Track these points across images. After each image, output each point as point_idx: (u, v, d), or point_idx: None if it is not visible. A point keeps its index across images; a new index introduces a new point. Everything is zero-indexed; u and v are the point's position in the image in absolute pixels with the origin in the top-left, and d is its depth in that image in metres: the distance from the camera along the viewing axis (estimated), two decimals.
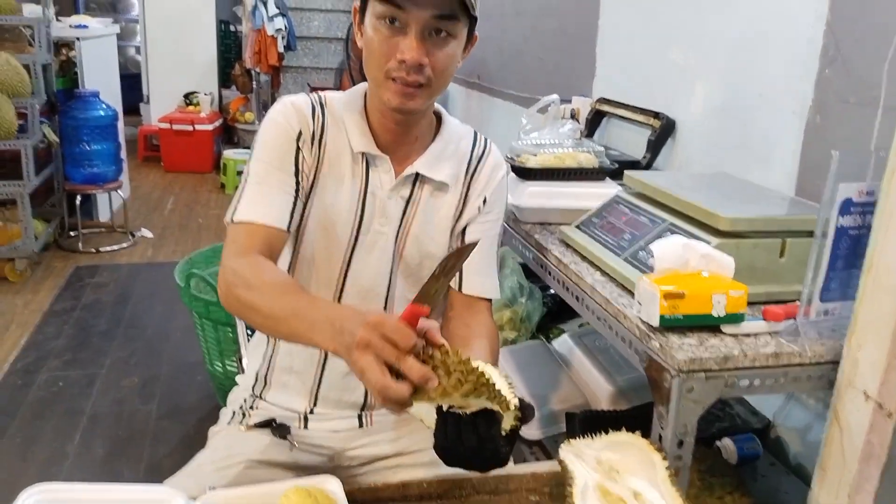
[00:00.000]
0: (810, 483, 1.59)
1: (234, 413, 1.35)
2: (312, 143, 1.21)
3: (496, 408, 0.95)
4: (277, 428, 1.30)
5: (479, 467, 0.98)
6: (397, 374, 0.88)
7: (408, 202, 1.25)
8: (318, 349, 1.29)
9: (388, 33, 1.10)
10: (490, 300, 1.34)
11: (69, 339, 3.21)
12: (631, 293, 1.22)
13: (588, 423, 1.62)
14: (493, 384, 0.95)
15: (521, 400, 0.99)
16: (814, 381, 1.08)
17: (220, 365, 2.50)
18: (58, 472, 2.29)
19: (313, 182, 1.23)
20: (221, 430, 1.34)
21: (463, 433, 0.97)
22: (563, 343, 1.95)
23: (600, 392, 1.77)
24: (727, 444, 1.59)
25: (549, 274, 1.44)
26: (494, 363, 1.23)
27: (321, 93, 1.27)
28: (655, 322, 1.06)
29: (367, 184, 1.23)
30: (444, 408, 1.00)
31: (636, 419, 1.66)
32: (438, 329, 0.94)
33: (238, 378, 1.42)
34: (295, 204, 1.20)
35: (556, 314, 2.25)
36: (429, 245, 1.28)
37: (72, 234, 4.45)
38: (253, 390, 1.36)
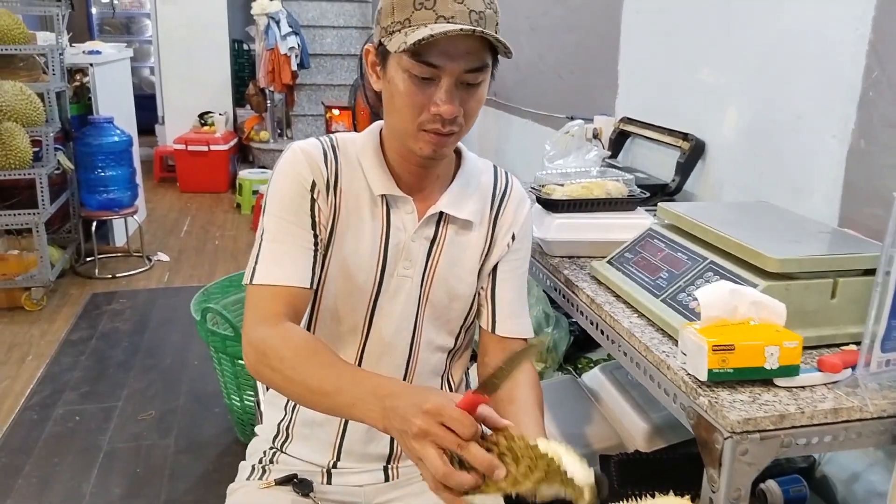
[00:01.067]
0: None
1: (253, 468, 1.28)
2: (328, 192, 1.15)
3: (569, 495, 0.89)
4: (300, 484, 1.23)
5: None
6: (459, 462, 0.85)
7: (432, 243, 1.19)
8: None
9: (419, 86, 1.04)
10: (525, 339, 1.28)
11: (86, 370, 3.16)
12: (672, 338, 1.14)
13: (624, 466, 1.54)
14: (565, 471, 0.88)
15: (596, 476, 0.92)
16: (876, 436, 0.99)
17: (238, 399, 2.44)
18: None
19: (331, 231, 1.17)
20: (240, 487, 1.27)
21: None
22: (594, 377, 1.87)
23: (635, 430, 1.68)
24: (772, 487, 1.50)
25: (581, 313, 1.36)
26: (541, 411, 1.18)
27: (333, 135, 1.22)
28: (703, 376, 0.98)
29: (388, 227, 1.17)
30: (513, 494, 0.93)
31: (675, 463, 1.58)
32: (496, 415, 0.90)
33: (257, 429, 1.36)
34: (315, 258, 1.14)
35: (583, 343, 2.17)
36: (457, 286, 1.22)
37: (88, 260, 4.43)
38: (273, 442, 1.29)
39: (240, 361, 2.26)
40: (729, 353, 0.97)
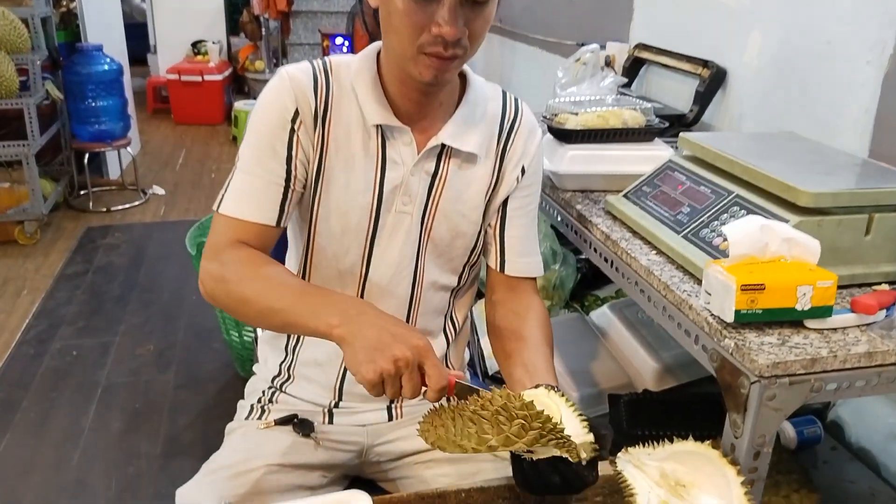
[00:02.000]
0: (877, 469, 1.47)
1: (252, 407, 1.24)
2: (315, 123, 1.06)
3: (566, 455, 0.85)
4: (300, 424, 1.19)
5: (567, 494, 0.94)
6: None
7: (433, 178, 1.11)
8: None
9: (420, 4, 0.94)
10: (534, 278, 1.22)
11: (82, 305, 3.12)
12: (694, 277, 1.08)
13: (634, 406, 1.50)
14: (562, 429, 0.84)
15: (596, 434, 0.90)
16: None
17: (237, 335, 2.39)
18: (73, 448, 2.22)
19: (320, 167, 1.08)
20: (239, 426, 1.22)
21: (543, 475, 0.90)
22: (602, 315, 1.82)
23: (645, 370, 1.64)
24: (786, 429, 1.46)
25: (594, 250, 1.29)
26: (550, 349, 1.13)
27: (327, 58, 1.12)
28: (730, 317, 0.92)
29: (383, 161, 1.08)
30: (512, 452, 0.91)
31: (685, 403, 1.55)
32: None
33: (255, 368, 1.30)
34: (287, 196, 1.06)
35: (590, 280, 2.11)
36: (460, 223, 1.14)
37: (82, 193, 4.34)
38: (272, 382, 1.24)
39: None
40: (758, 292, 0.91)
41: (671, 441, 0.97)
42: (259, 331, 1.36)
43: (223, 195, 1.06)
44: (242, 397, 1.29)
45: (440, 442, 0.88)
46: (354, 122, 1.08)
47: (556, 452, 0.86)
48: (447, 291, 1.20)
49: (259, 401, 1.24)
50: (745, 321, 0.93)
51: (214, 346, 2.78)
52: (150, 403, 2.46)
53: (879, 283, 1.07)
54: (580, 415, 0.92)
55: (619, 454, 0.97)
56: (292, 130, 1.05)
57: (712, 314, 0.96)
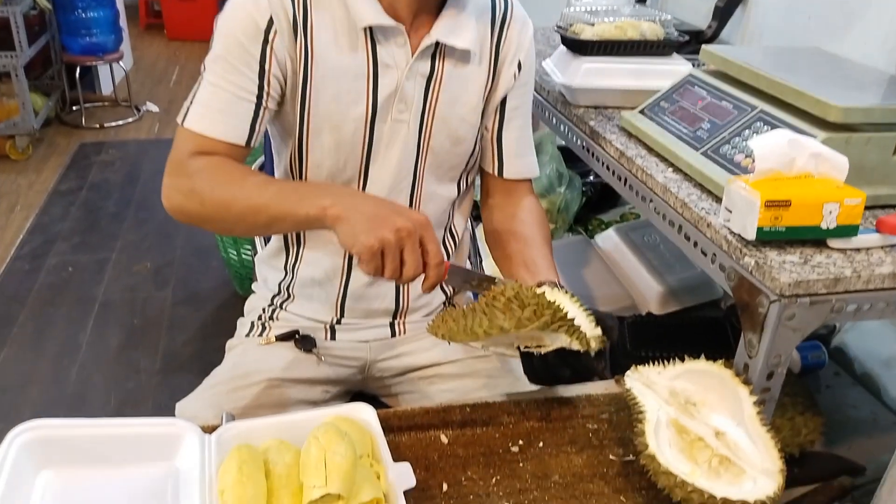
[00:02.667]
0: (879, 394, 1.47)
1: (252, 324, 1.21)
2: (295, 32, 0.98)
3: (576, 345, 0.84)
4: (302, 340, 1.17)
5: (577, 383, 0.98)
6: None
7: (429, 80, 1.05)
8: (330, 256, 1.13)
9: None
10: (531, 180, 1.20)
11: (77, 221, 3.07)
12: (713, 195, 1.04)
13: (637, 327, 1.49)
14: (572, 319, 0.83)
15: (603, 326, 0.91)
16: None
17: (235, 253, 2.36)
18: (71, 363, 2.22)
19: (305, 79, 1.00)
20: (239, 343, 1.20)
21: (552, 367, 0.91)
22: (607, 238, 1.78)
23: (649, 292, 1.62)
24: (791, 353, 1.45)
25: (608, 168, 1.25)
26: (549, 248, 1.12)
27: None
28: (751, 235, 0.88)
29: (375, 65, 1.02)
30: (521, 348, 0.92)
31: (688, 326, 1.53)
32: None
33: (255, 286, 1.27)
34: (259, 114, 0.99)
35: (595, 204, 2.06)
36: (459, 128, 1.09)
37: (74, 108, 4.23)
38: (273, 301, 1.22)
39: None
40: (783, 209, 0.87)
41: (681, 361, 0.95)
42: (259, 247, 1.32)
43: (188, 107, 0.99)
44: (242, 315, 1.27)
45: (450, 333, 0.88)
46: (340, 27, 1.00)
47: (566, 342, 0.87)
48: (447, 202, 1.16)
49: (259, 318, 1.22)
50: (767, 239, 0.89)
51: (213, 265, 2.75)
52: (148, 320, 2.45)
53: None
54: (586, 309, 0.92)
55: (628, 372, 0.95)
56: (266, 41, 0.97)
57: (732, 232, 0.93)
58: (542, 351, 0.89)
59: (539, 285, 0.96)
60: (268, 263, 1.23)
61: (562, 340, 0.87)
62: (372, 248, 0.84)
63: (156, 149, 3.88)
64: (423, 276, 0.90)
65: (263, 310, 1.21)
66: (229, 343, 1.22)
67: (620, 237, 1.73)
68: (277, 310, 1.20)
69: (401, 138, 1.06)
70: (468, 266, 1.34)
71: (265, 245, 1.25)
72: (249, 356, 1.15)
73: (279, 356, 1.14)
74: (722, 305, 1.66)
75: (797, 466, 1.22)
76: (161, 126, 4.23)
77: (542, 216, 1.17)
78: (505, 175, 1.16)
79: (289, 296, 1.19)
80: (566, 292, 0.94)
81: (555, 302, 0.85)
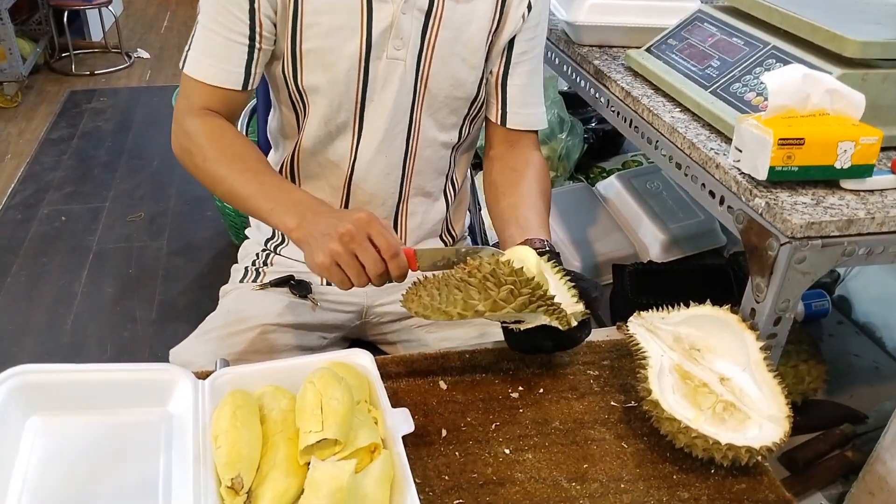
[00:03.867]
0: (882, 343, 1.46)
1: (246, 270, 1.18)
2: None
3: (555, 324, 0.81)
4: (296, 286, 1.14)
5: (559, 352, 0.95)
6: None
7: (428, 16, 0.99)
8: (337, 205, 1.11)
9: None
10: (537, 132, 1.15)
11: (69, 170, 3.02)
12: (722, 134, 1.00)
13: (639, 275, 1.46)
14: (552, 297, 0.81)
15: (585, 295, 0.88)
16: None
17: None
18: (66, 313, 2.20)
19: (295, 14, 0.96)
20: (233, 289, 1.18)
21: (535, 339, 0.88)
22: (609, 185, 1.75)
23: (651, 240, 1.59)
24: None
25: (612, 109, 1.20)
26: (546, 205, 1.08)
27: None
28: (762, 175, 0.85)
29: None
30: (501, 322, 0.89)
31: (690, 274, 1.51)
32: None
33: (248, 232, 1.24)
34: (253, 56, 0.98)
35: (597, 151, 2.02)
36: (460, 70, 1.04)
37: (63, 55, 4.14)
38: (266, 245, 1.19)
39: None
40: (797, 148, 0.83)
41: (685, 307, 0.93)
42: None
43: (187, 52, 0.99)
44: (237, 262, 1.24)
45: (424, 310, 0.84)
46: None
47: (546, 320, 0.83)
48: (447, 149, 1.12)
49: (253, 263, 1.19)
50: (778, 179, 0.86)
51: (208, 214, 2.72)
52: (143, 269, 2.42)
53: None
54: (569, 281, 0.89)
55: (631, 318, 0.93)
56: None
57: (742, 172, 0.89)
58: (522, 328, 0.87)
59: (524, 243, 0.94)
60: None
61: (541, 319, 0.84)
62: (324, 264, 0.84)
63: (147, 96, 3.80)
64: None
65: (257, 255, 1.19)
66: (223, 289, 1.20)
67: (623, 184, 1.70)
68: (271, 255, 1.17)
69: (397, 78, 1.01)
70: (467, 218, 1.30)
71: None
72: (243, 301, 1.13)
73: (274, 301, 1.12)
74: (725, 253, 1.64)
75: (799, 414, 1.20)
76: (153, 73, 4.14)
77: (545, 172, 1.12)
78: (508, 124, 1.11)
79: (283, 240, 1.17)
80: (549, 259, 0.90)
81: (533, 279, 0.80)
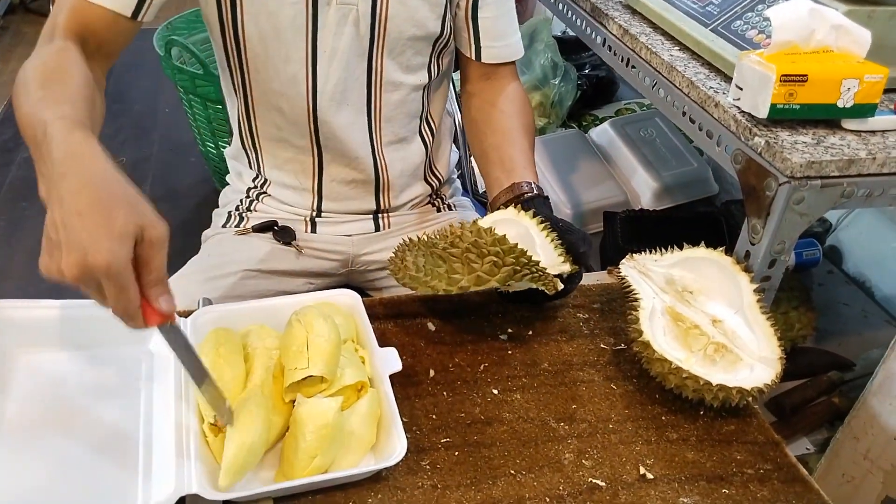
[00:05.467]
0: (871, 293, 1.46)
1: (229, 215, 1.15)
2: None
3: (542, 288, 0.81)
4: (280, 232, 1.11)
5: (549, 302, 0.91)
6: None
7: None
8: (310, 161, 1.07)
9: None
10: (514, 62, 1.10)
11: None
12: (722, 73, 0.97)
13: (630, 223, 1.45)
14: (536, 262, 0.80)
15: (573, 249, 0.86)
16: None
17: (213, 146, 2.27)
18: None
19: None
20: (215, 234, 1.15)
21: (523, 297, 0.87)
22: (602, 133, 1.72)
23: (643, 188, 1.57)
24: None
25: (609, 48, 1.17)
26: (530, 139, 1.03)
27: None
28: (763, 112, 0.82)
29: None
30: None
31: (682, 221, 1.49)
32: None
33: (229, 178, 1.21)
34: None
35: (590, 99, 1.98)
36: (419, 8, 0.96)
37: None
38: (248, 193, 1.15)
39: (212, 104, 2.06)
40: (799, 85, 0.81)
41: (681, 249, 0.91)
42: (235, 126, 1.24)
43: None
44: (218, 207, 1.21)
45: (411, 283, 0.84)
46: None
47: (532, 286, 0.82)
48: (418, 91, 1.06)
49: (237, 209, 1.16)
50: (779, 118, 0.84)
51: (191, 160, 2.66)
52: None
53: None
54: (556, 238, 0.87)
55: (623, 261, 0.92)
56: None
57: (741, 111, 0.87)
58: (510, 290, 0.87)
59: (511, 188, 0.93)
60: (237, 160, 1.16)
61: (527, 285, 0.83)
62: (48, 278, 0.62)
63: None
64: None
65: (241, 201, 1.15)
66: (204, 234, 1.17)
67: (615, 131, 1.67)
68: (254, 201, 1.14)
69: (349, 24, 0.95)
70: (453, 156, 1.25)
71: (231, 140, 1.18)
72: (225, 246, 1.10)
73: (256, 247, 1.09)
74: (717, 202, 1.62)
75: (788, 361, 1.21)
76: None
77: (525, 104, 1.08)
78: (483, 59, 1.06)
79: (265, 184, 1.13)
80: (534, 216, 0.88)
81: (516, 246, 0.79)
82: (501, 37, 1.06)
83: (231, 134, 1.16)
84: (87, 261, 0.57)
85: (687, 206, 1.57)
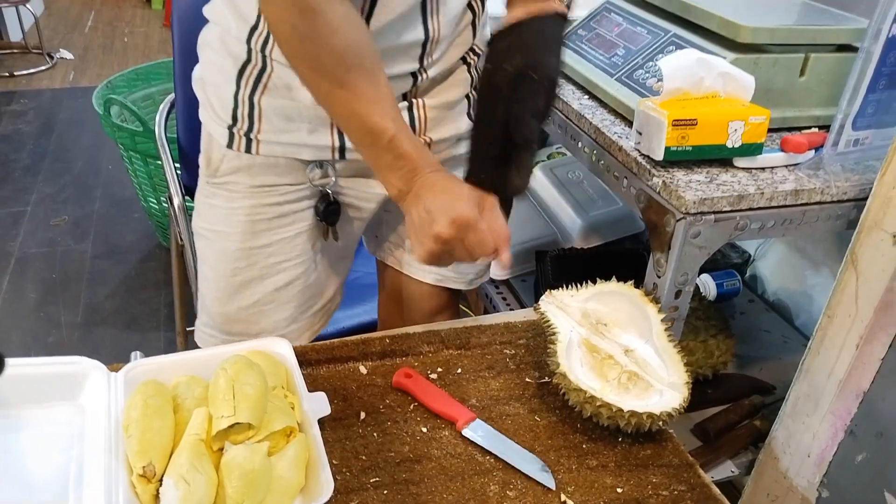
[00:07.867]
0: (790, 319, 1.53)
1: (230, 135, 0.96)
2: None
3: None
4: (327, 209, 1.02)
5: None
6: None
7: None
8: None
9: None
10: None
11: None
12: (626, 119, 1.04)
13: (559, 261, 1.50)
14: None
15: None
16: (832, 221, 0.94)
17: (156, 201, 2.28)
18: None
19: None
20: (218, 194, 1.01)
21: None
22: (533, 176, 1.79)
23: (571, 227, 1.64)
24: (706, 281, 1.50)
25: None
26: None
27: None
28: (659, 155, 0.89)
29: None
30: None
31: (610, 258, 1.56)
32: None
33: (206, 51, 0.99)
34: None
35: None
36: None
37: None
38: (246, 83, 0.94)
39: (152, 160, 2.08)
40: (690, 128, 0.88)
41: (595, 283, 0.96)
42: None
43: None
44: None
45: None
46: None
47: None
48: None
49: (234, 120, 0.94)
50: (675, 159, 0.90)
51: (135, 216, 2.66)
52: (67, 273, 2.35)
53: (809, 128, 1.06)
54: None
55: (542, 297, 0.96)
56: None
57: (642, 154, 0.93)
58: None
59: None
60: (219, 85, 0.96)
61: None
62: (426, 261, 0.85)
63: (71, 98, 3.69)
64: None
65: (236, 101, 0.94)
66: (198, 197, 1.05)
67: (545, 174, 1.74)
68: (258, 93, 0.94)
69: None
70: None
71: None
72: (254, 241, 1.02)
73: (290, 245, 1.04)
74: (643, 239, 1.69)
75: (711, 387, 1.27)
76: (76, 74, 4.02)
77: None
78: None
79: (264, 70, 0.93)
80: None
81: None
82: None
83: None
84: (456, 216, 0.80)
85: (615, 243, 1.64)
